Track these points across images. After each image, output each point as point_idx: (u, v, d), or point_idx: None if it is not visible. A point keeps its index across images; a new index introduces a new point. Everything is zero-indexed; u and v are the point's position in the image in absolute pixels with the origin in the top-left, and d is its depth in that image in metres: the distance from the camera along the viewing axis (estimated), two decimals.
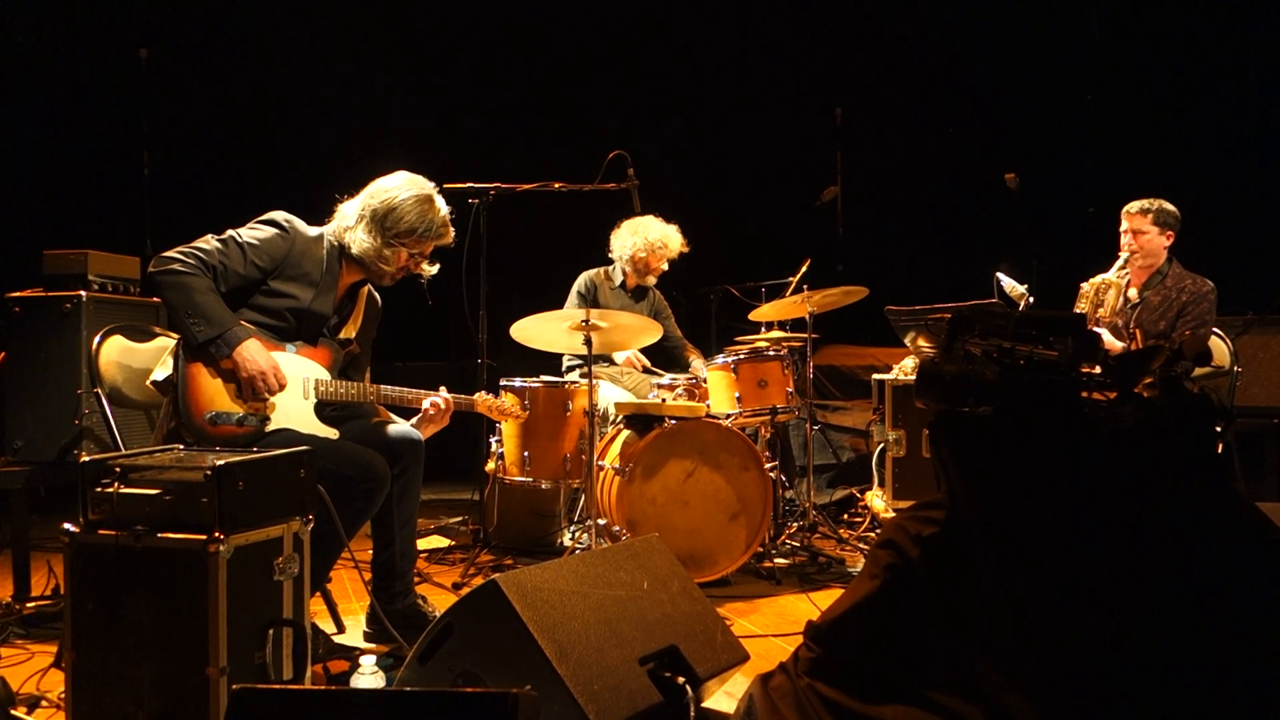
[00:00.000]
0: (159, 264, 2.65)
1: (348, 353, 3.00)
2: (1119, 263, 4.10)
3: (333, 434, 2.85)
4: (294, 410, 2.80)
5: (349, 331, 3.02)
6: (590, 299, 4.70)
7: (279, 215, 2.86)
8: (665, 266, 4.75)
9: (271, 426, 2.74)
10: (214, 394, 2.68)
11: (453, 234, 3.02)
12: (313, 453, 2.35)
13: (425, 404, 3.03)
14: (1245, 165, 6.43)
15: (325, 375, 2.89)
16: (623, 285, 4.80)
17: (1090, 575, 1.77)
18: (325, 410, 2.89)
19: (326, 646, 2.85)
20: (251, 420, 2.70)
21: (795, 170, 7.20)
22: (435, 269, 3.07)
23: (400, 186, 2.92)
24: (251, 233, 2.79)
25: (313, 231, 2.90)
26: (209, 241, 2.72)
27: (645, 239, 4.64)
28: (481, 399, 3.25)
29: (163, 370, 2.71)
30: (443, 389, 3.10)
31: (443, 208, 2.97)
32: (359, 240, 2.88)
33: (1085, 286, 4.16)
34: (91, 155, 6.08)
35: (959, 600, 1.83)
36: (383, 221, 2.87)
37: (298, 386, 2.81)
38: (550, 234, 6.17)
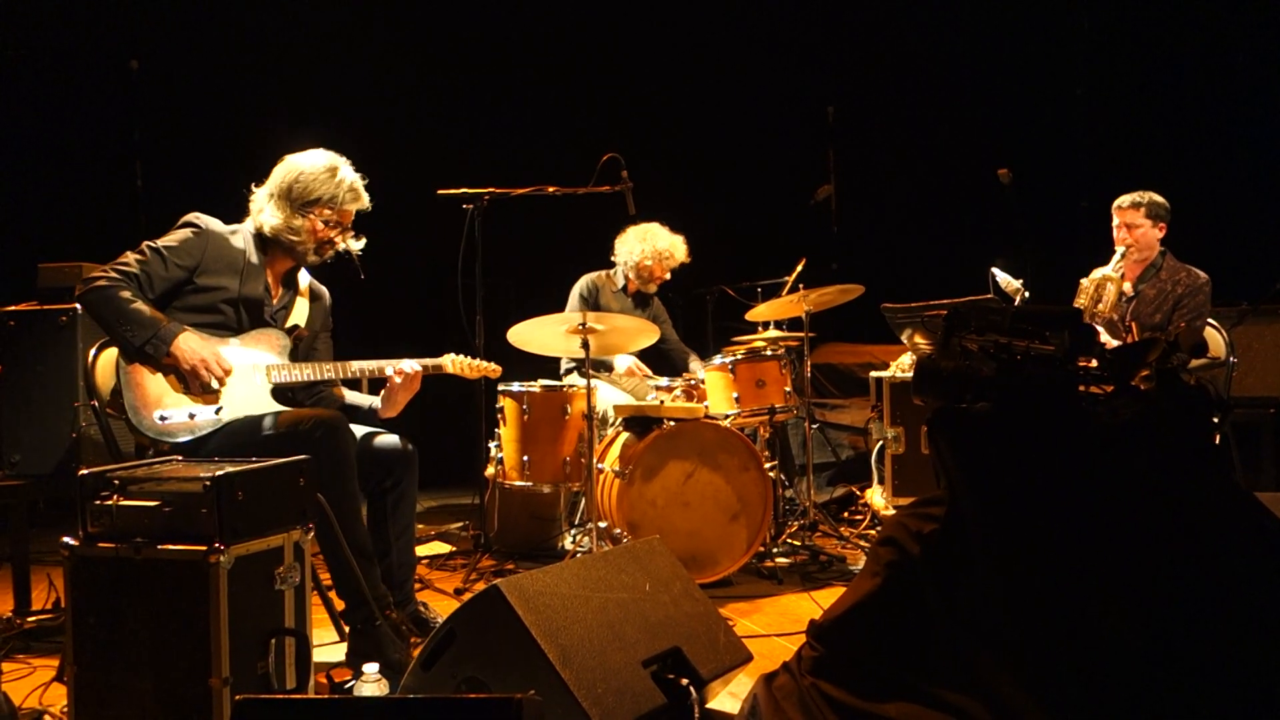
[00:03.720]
0: (83, 285, 2.71)
1: (296, 338, 3.02)
2: (1116, 257, 4.10)
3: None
4: (248, 397, 2.83)
5: (295, 319, 3.05)
6: (592, 302, 4.69)
7: (191, 216, 2.91)
8: (669, 276, 4.76)
9: (228, 416, 2.77)
10: (160, 393, 2.71)
11: (366, 199, 3.02)
12: (310, 462, 2.35)
13: (388, 371, 3.02)
14: (1237, 156, 6.45)
15: (276, 360, 2.92)
16: (624, 290, 4.79)
17: (1090, 569, 1.78)
18: (284, 396, 2.92)
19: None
20: (204, 412, 2.73)
21: (789, 169, 7.20)
22: (361, 244, 3.06)
23: (303, 159, 2.97)
24: (167, 238, 2.85)
25: (228, 227, 2.95)
26: (127, 256, 2.78)
27: (654, 248, 4.63)
28: (452, 360, 3.17)
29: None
30: (406, 361, 3.04)
31: (350, 174, 2.99)
32: (269, 219, 2.93)
33: (1085, 282, 4.16)
34: (84, 168, 6.07)
35: (960, 596, 1.83)
36: (288, 194, 2.92)
37: (248, 374, 2.85)
38: (545, 237, 6.17)
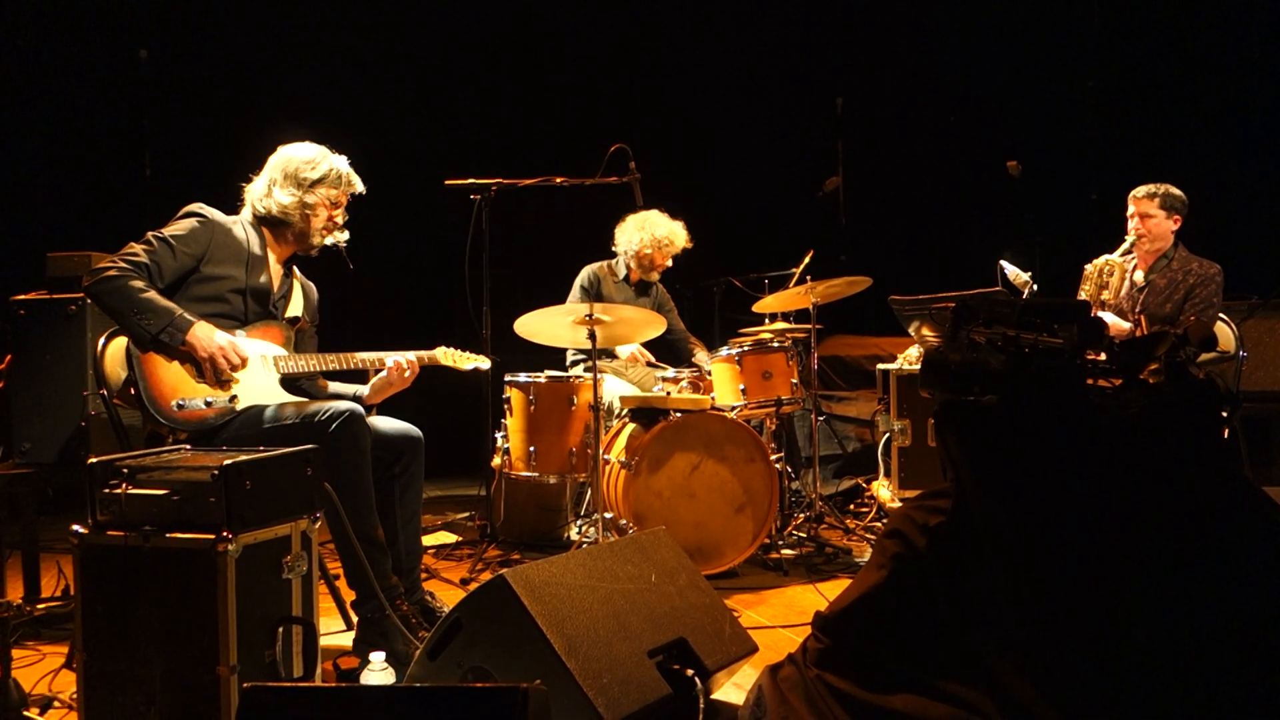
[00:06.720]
0: (92, 276, 2.70)
1: (297, 330, 3.06)
2: (1125, 245, 4.10)
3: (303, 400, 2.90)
4: (260, 386, 2.85)
5: (293, 310, 3.08)
6: (594, 293, 4.69)
7: (194, 206, 2.92)
8: (670, 263, 4.75)
9: (241, 405, 2.79)
10: (176, 382, 2.72)
11: (360, 184, 3.09)
12: (318, 451, 2.35)
13: (389, 362, 3.04)
14: (1249, 149, 6.40)
15: (282, 352, 2.95)
16: (626, 279, 4.79)
17: (1098, 562, 1.77)
18: (292, 386, 2.96)
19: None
20: (220, 400, 2.74)
21: (797, 161, 7.18)
22: (346, 236, 3.09)
23: (297, 147, 3.03)
24: (172, 228, 2.85)
25: (229, 218, 2.97)
26: (133, 247, 2.77)
27: (652, 235, 4.62)
28: (443, 352, 3.23)
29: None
30: (403, 353, 3.08)
31: (339, 160, 3.04)
32: (279, 201, 2.96)
33: (1089, 268, 4.16)
34: (93, 157, 6.08)
35: (967, 589, 1.83)
36: (296, 176, 2.97)
37: (258, 365, 2.87)
38: (553, 228, 6.16)
